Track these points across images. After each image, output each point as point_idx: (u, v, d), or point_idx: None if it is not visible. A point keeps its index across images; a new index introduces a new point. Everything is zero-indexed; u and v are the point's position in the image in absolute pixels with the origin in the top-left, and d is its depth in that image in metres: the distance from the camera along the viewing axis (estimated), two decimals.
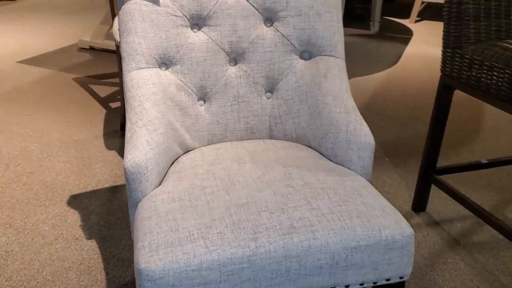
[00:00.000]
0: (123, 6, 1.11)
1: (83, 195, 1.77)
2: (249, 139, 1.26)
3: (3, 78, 2.87)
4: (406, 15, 4.48)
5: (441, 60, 1.51)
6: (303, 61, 1.23)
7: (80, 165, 1.97)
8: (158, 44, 1.13)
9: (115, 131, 2.27)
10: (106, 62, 3.18)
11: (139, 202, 0.99)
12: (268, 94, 1.25)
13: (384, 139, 2.25)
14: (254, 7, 1.19)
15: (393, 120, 2.43)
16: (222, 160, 1.09)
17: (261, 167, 1.05)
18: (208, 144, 1.23)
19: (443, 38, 1.50)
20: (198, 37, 1.18)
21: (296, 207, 0.91)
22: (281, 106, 1.24)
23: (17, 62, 3.15)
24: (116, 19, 1.94)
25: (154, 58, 1.13)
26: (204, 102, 1.22)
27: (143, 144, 1.00)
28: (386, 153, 2.13)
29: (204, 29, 1.19)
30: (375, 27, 3.95)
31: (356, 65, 3.21)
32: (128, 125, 1.05)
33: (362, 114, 2.50)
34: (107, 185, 1.84)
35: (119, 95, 2.67)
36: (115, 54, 3.28)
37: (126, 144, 1.02)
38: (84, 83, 2.83)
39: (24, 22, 4.11)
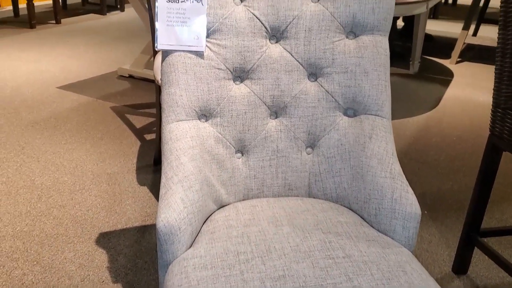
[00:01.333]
0: (166, 58, 1.09)
1: (112, 233, 1.75)
2: (286, 195, 1.21)
3: (43, 104, 2.92)
4: (446, 55, 4.40)
5: (490, 119, 1.44)
6: (347, 118, 1.18)
7: (111, 201, 1.95)
8: (200, 96, 1.10)
9: (148, 165, 2.26)
10: (144, 91, 3.20)
11: (170, 264, 0.95)
12: (309, 149, 1.20)
13: (424, 190, 2.16)
14: (299, 62, 1.16)
15: (433, 169, 2.34)
16: (258, 221, 1.04)
17: (299, 232, 1.00)
18: (244, 199, 1.19)
19: (493, 97, 1.42)
20: (240, 90, 1.15)
21: (336, 284, 0.85)
22: (322, 164, 1.19)
23: (57, 87, 3.20)
24: (157, 57, 1.94)
25: (195, 110, 1.10)
26: (242, 155, 1.18)
27: (177, 202, 0.96)
28: (426, 205, 2.04)
29: (247, 82, 1.16)
30: (414, 67, 3.88)
31: (395, 107, 3.14)
32: (163, 180, 1.01)
33: (401, 161, 2.42)
34: (136, 224, 1.81)
35: (155, 126, 2.67)
36: (154, 83, 3.31)
37: (160, 200, 0.98)
38: (121, 112, 2.84)
39: (68, 46, 4.22)
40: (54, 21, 5.04)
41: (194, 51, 1.09)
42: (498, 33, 1.39)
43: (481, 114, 3.06)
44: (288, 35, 1.15)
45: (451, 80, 3.72)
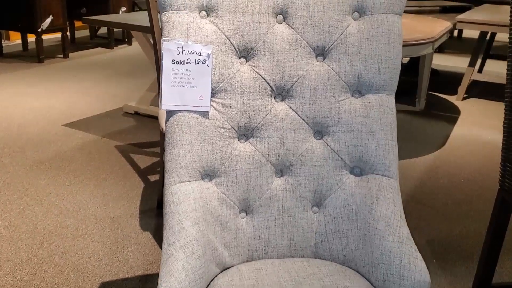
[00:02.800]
0: (171, 118, 1.08)
1: (114, 283, 1.71)
2: (292, 256, 1.18)
3: (49, 142, 2.92)
4: (453, 91, 4.39)
5: (500, 173, 1.41)
6: (353, 177, 1.16)
7: (114, 247, 1.92)
8: (204, 156, 1.09)
9: (151, 209, 2.23)
10: (149, 129, 3.20)
11: None
12: (315, 208, 1.18)
13: (432, 237, 2.11)
14: (304, 121, 1.14)
15: (441, 215, 2.30)
16: (262, 287, 1.01)
17: None
18: (248, 261, 1.16)
19: (502, 152, 1.40)
20: (244, 149, 1.13)
21: None
22: (329, 224, 1.16)
23: (62, 125, 3.21)
24: (163, 90, 1.94)
25: (198, 170, 1.08)
26: (246, 215, 1.16)
27: (179, 270, 0.93)
28: (434, 253, 2.00)
29: (252, 140, 1.14)
30: (420, 104, 3.87)
31: (400, 146, 3.11)
32: (164, 246, 0.99)
33: (407, 204, 2.38)
34: (138, 272, 1.78)
35: (158, 167, 2.66)
36: (159, 120, 3.31)
37: (161, 268, 0.96)
38: (126, 151, 2.84)
39: (75, 81, 4.25)
40: (62, 55, 5.10)
41: (199, 111, 1.08)
42: (506, 80, 1.38)
43: (488, 154, 3.03)
44: (294, 94, 1.14)
45: (457, 118, 3.71)
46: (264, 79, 1.12)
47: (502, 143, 1.40)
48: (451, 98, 4.22)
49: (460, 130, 3.44)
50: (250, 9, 1.09)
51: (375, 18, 1.12)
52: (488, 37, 4.29)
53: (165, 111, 1.09)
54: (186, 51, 1.05)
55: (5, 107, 3.52)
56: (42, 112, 3.45)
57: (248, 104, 1.11)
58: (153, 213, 2.21)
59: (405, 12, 4.30)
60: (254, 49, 1.11)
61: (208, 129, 1.09)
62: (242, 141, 1.14)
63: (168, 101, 1.07)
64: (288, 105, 1.14)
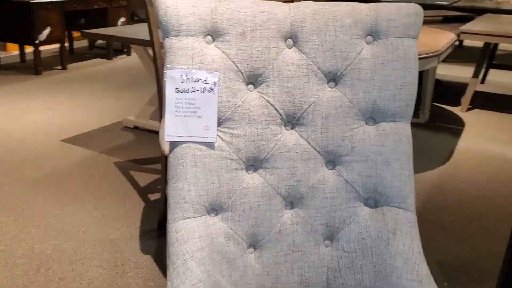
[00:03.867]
0: (174, 150, 1.01)
1: None
2: None
3: (46, 158, 2.85)
4: (456, 102, 4.34)
5: None
6: (367, 209, 1.09)
7: (113, 272, 1.85)
8: (209, 190, 1.02)
9: (152, 230, 2.16)
10: (149, 144, 3.14)
11: None
12: (327, 242, 1.11)
13: (441, 258, 2.05)
14: (316, 150, 1.08)
15: (450, 233, 2.23)
16: None
17: None
18: None
19: None
20: (253, 180, 1.07)
21: None
22: (342, 259, 1.09)
23: (60, 140, 3.14)
24: (166, 120, 1.87)
25: (204, 205, 1.02)
26: (255, 250, 1.09)
27: None
28: (445, 275, 1.93)
29: (260, 171, 1.08)
30: (424, 116, 3.81)
31: None
32: None
33: None
34: None
35: (159, 185, 2.59)
36: (159, 134, 3.25)
37: None
38: (125, 168, 2.77)
39: (73, 94, 4.19)
40: (60, 67, 5.04)
41: (205, 142, 1.02)
42: None
43: (496, 169, 2.97)
44: (304, 122, 1.07)
45: (462, 130, 3.65)
46: (274, 107, 1.06)
47: None
48: (455, 109, 4.16)
49: (466, 143, 3.38)
50: (259, 34, 1.04)
51: (390, 42, 1.06)
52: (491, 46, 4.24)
53: (166, 134, 1.02)
54: (190, 79, 0.99)
55: (1, 121, 3.45)
56: (39, 126, 3.39)
57: (256, 133, 1.05)
58: (154, 234, 2.14)
59: None
60: (263, 75, 1.05)
61: (214, 160, 1.03)
62: (250, 172, 1.08)
63: (171, 131, 1.00)
64: (299, 134, 1.08)
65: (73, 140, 3.16)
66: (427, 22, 4.74)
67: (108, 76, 4.90)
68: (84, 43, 6.49)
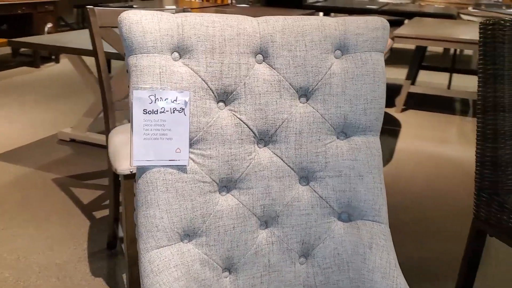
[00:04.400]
0: (143, 175, 0.95)
1: None
2: None
3: None
4: (389, 103, 4.50)
5: (474, 203, 1.40)
6: (341, 223, 1.08)
7: None
8: (183, 216, 0.97)
9: (101, 251, 2.05)
10: (89, 157, 2.98)
11: None
12: (302, 259, 1.09)
13: (400, 259, 2.10)
14: (290, 167, 1.05)
15: (401, 234, 2.30)
16: None
17: None
18: None
19: (476, 180, 1.39)
20: (227, 202, 1.03)
21: None
22: (318, 275, 1.08)
23: None
24: (114, 136, 1.78)
25: (177, 232, 0.96)
26: (230, 274, 1.05)
27: None
28: (406, 277, 1.98)
29: (234, 192, 1.04)
30: None
31: None
32: None
33: None
34: None
35: (104, 200, 2.47)
36: (98, 147, 3.10)
37: None
38: (65, 185, 2.61)
39: (6, 103, 3.91)
40: None
41: (176, 165, 0.96)
42: (477, 111, 1.37)
43: (435, 167, 3.10)
44: (278, 139, 1.05)
45: (399, 130, 3.79)
46: (247, 125, 1.02)
47: (476, 172, 1.39)
48: (390, 111, 4.32)
49: (404, 144, 3.51)
50: (228, 50, 0.99)
51: (358, 56, 1.05)
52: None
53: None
54: (159, 99, 0.93)
55: None
56: None
57: (230, 153, 1.01)
58: (104, 255, 2.03)
59: None
60: (234, 92, 1.01)
61: (187, 184, 0.97)
62: (224, 193, 1.03)
63: (140, 156, 0.94)
64: (272, 151, 1.05)
65: (4, 157, 2.94)
66: None
67: (37, 85, 4.62)
68: (7, 50, 6.10)
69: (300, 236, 1.08)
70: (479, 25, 1.32)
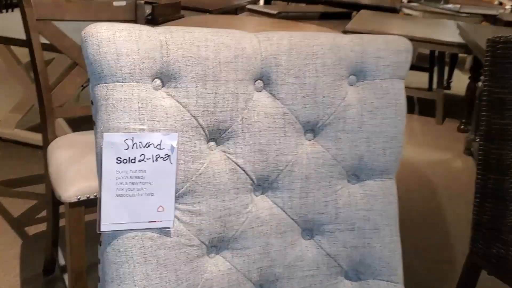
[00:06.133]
0: (113, 242, 0.72)
1: None
2: None
3: None
4: None
5: (471, 237, 1.28)
6: (349, 283, 0.91)
7: None
8: None
9: (36, 276, 1.76)
10: (18, 160, 2.62)
11: None
12: None
13: None
14: (294, 220, 0.86)
15: None
16: None
17: None
18: None
19: (474, 214, 1.27)
20: (217, 267, 0.82)
21: None
22: None
23: None
24: (54, 150, 1.49)
25: None
26: None
27: None
28: None
29: (226, 254, 0.83)
30: None
31: None
32: None
33: None
34: None
35: (38, 212, 2.15)
36: (29, 147, 2.74)
37: None
38: None
39: None
40: None
41: (157, 228, 0.74)
42: (479, 141, 1.24)
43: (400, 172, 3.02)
44: (280, 186, 0.85)
45: None
46: (244, 170, 0.81)
47: (475, 204, 1.26)
48: None
49: None
50: (224, 76, 0.77)
51: (378, 85, 0.87)
52: None
53: (101, 223, 0.72)
54: (138, 144, 0.70)
55: None
56: None
57: (223, 206, 0.79)
58: (40, 282, 1.74)
59: (284, 18, 4.19)
60: (229, 129, 0.80)
61: (170, 251, 0.75)
62: (212, 255, 0.82)
63: (110, 218, 0.71)
64: (272, 201, 0.85)
65: None
66: (306, 18, 4.73)
67: None
68: None
69: None
70: (487, 42, 1.19)
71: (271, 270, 0.86)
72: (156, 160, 0.71)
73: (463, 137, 3.31)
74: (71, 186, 1.32)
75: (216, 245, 0.82)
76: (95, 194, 1.34)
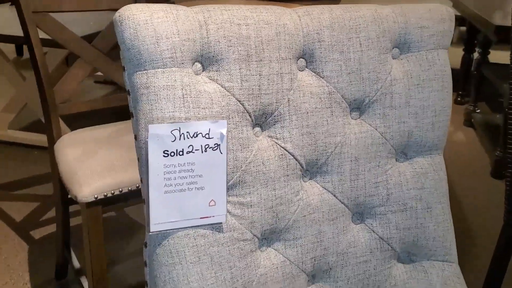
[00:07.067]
0: (163, 242, 0.66)
1: None
2: None
3: None
4: None
5: (505, 208, 1.25)
6: (402, 266, 0.87)
7: None
8: None
9: (48, 281, 1.70)
10: (14, 161, 2.53)
11: None
12: None
13: None
14: (345, 204, 0.81)
15: None
16: None
17: None
18: None
19: (507, 186, 1.24)
20: (270, 261, 0.76)
21: None
22: None
23: None
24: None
25: None
26: None
27: None
28: None
29: (278, 246, 0.78)
30: None
31: None
32: None
33: None
34: None
35: (42, 215, 2.08)
36: (24, 148, 2.65)
37: None
38: None
39: None
40: None
41: (210, 224, 0.68)
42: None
43: None
44: (329, 169, 0.79)
45: None
46: (293, 156, 0.75)
47: (507, 177, 1.23)
48: None
49: None
50: (267, 56, 0.71)
51: (424, 56, 0.82)
52: None
53: (151, 223, 0.67)
54: (186, 134, 0.64)
55: None
56: None
57: (274, 196, 0.74)
58: (53, 287, 1.68)
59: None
60: (275, 113, 0.74)
61: (224, 248, 0.70)
62: (264, 248, 0.77)
63: (160, 217, 0.65)
64: (322, 186, 0.80)
65: None
66: None
67: None
68: None
69: None
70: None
71: (324, 259, 0.81)
72: (206, 151, 0.65)
73: (461, 109, 3.29)
74: (86, 185, 1.25)
75: (267, 238, 0.77)
76: (112, 191, 1.28)
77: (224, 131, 0.66)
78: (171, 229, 0.66)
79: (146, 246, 0.71)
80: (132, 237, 2.00)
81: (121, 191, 1.31)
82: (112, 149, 1.40)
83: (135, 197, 1.38)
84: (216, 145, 0.66)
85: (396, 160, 0.85)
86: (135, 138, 0.68)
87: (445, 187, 0.87)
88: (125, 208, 2.23)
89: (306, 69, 0.77)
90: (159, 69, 0.64)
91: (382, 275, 0.85)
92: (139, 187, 1.35)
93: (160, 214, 0.65)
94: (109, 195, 1.29)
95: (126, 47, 0.63)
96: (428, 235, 0.85)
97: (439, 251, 0.86)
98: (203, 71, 0.69)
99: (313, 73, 0.77)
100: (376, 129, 0.81)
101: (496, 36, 2.25)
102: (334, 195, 0.80)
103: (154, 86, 0.63)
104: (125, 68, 0.65)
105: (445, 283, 0.85)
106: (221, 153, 0.66)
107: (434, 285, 0.85)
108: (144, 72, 0.63)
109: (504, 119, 2.64)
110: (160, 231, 0.66)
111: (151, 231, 0.65)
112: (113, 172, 1.31)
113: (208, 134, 0.65)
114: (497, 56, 3.13)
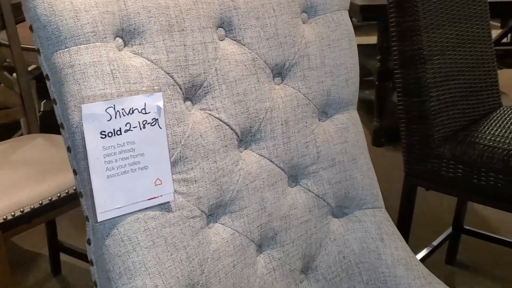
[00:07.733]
0: (112, 231, 0.61)
1: None
2: None
3: None
4: None
5: (404, 160, 1.36)
6: (337, 221, 0.91)
7: None
8: (180, 274, 0.66)
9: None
10: None
11: None
12: (302, 276, 0.89)
13: None
14: (281, 168, 0.82)
15: None
16: None
17: None
18: None
19: (403, 137, 1.35)
20: (220, 236, 0.75)
21: None
22: None
23: None
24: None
25: None
26: None
27: None
28: None
29: (225, 219, 0.76)
30: None
31: None
32: None
33: None
34: None
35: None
36: None
37: None
38: None
39: None
40: None
41: (158, 204, 0.65)
42: (395, 65, 1.31)
43: None
44: (263, 136, 0.80)
45: None
46: (228, 125, 0.74)
47: (402, 129, 1.34)
48: None
49: None
50: (188, 25, 0.69)
51: (330, 18, 0.86)
52: None
53: (97, 212, 0.61)
54: (121, 111, 0.60)
55: None
56: None
57: (216, 168, 0.72)
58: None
59: None
60: (205, 83, 0.72)
61: (175, 228, 0.67)
62: (211, 225, 0.75)
63: (105, 205, 0.60)
64: (258, 154, 0.80)
65: None
66: None
67: None
68: None
69: (301, 250, 0.86)
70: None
71: (269, 225, 0.81)
72: (144, 127, 0.62)
73: None
74: None
75: (214, 213, 0.75)
76: (12, 213, 1.16)
77: (161, 104, 0.63)
78: (119, 216, 0.61)
79: (89, 243, 0.65)
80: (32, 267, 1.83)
81: (22, 211, 1.20)
82: (1, 170, 1.28)
83: (39, 215, 1.27)
84: (154, 119, 0.63)
85: (319, 120, 0.88)
86: (61, 127, 0.62)
87: (364, 139, 0.92)
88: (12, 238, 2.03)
89: (227, 38, 0.76)
90: (82, 45, 0.58)
91: (322, 232, 0.88)
92: (43, 203, 1.24)
93: (106, 201, 0.60)
94: (9, 217, 1.17)
95: (41, 24, 0.57)
96: (357, 185, 0.90)
97: (368, 199, 0.91)
98: (125, 46, 0.65)
99: (234, 41, 0.76)
100: (299, 91, 0.83)
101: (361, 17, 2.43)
102: (271, 160, 0.81)
103: (79, 64, 0.58)
104: (41, 50, 0.59)
105: (379, 227, 0.90)
106: (160, 128, 0.63)
107: (369, 231, 0.90)
108: (66, 50, 0.58)
109: (376, 92, 2.88)
110: (108, 219, 0.61)
111: (98, 220, 0.60)
112: (10, 193, 1.19)
113: (144, 109, 0.62)
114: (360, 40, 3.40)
